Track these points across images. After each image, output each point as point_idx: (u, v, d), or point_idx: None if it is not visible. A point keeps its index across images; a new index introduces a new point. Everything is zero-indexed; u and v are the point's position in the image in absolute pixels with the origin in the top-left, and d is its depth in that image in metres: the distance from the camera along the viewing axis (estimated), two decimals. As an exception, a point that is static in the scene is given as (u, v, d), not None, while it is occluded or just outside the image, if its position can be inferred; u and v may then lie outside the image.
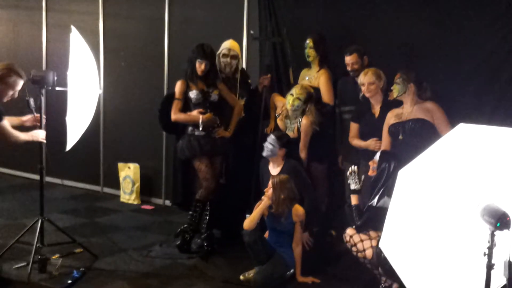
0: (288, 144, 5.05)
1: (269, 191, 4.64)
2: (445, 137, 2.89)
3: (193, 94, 5.16)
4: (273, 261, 4.62)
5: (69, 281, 4.46)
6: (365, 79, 4.94)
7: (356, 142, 5.12)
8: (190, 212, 5.21)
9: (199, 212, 5.20)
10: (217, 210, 5.40)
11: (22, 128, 4.68)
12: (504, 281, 2.51)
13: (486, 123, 2.68)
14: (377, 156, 4.41)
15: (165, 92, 6.57)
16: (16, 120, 4.68)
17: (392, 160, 4.27)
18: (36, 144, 4.84)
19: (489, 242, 2.48)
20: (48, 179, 7.75)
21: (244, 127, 5.54)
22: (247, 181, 5.53)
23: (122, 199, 7.08)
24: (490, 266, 2.49)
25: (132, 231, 5.87)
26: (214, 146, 5.23)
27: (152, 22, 6.90)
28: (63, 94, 5.01)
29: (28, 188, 7.49)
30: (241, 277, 4.69)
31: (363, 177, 4.48)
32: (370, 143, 4.98)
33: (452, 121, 4.51)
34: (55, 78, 4.75)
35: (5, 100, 4.37)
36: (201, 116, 5.11)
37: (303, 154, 5.22)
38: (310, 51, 5.42)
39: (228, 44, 5.40)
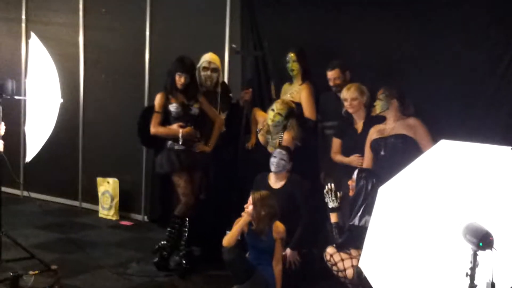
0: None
1: (249, 207, 4.53)
2: (426, 153, 2.81)
3: (173, 107, 5.06)
4: (253, 280, 4.49)
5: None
6: (348, 95, 4.88)
7: (339, 158, 5.04)
8: (168, 229, 5.09)
9: (177, 229, 5.08)
10: (197, 227, 5.27)
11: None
12: (487, 303, 2.42)
13: (469, 140, 2.61)
14: (355, 175, 4.33)
15: (146, 105, 6.46)
16: None
17: (370, 177, 4.21)
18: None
19: (471, 262, 2.39)
20: (25, 193, 7.64)
21: (224, 142, 5.45)
22: (228, 197, 5.44)
23: (100, 215, 6.93)
24: (472, 287, 2.40)
25: (110, 248, 5.72)
26: (194, 161, 5.13)
27: (133, 34, 6.81)
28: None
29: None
30: (220, 296, 4.58)
31: (339, 194, 4.39)
32: (353, 159, 4.91)
33: (435, 138, 4.46)
34: (14, 87, 4.59)
35: None
36: (181, 130, 5.02)
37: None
38: (293, 65, 5.36)
39: (208, 57, 5.33)
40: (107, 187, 6.87)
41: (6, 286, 4.42)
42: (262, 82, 5.82)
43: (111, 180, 6.86)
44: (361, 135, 4.90)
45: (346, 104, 4.93)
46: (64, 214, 7.00)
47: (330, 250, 4.30)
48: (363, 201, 4.20)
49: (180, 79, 5.04)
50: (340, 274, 4.21)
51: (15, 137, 7.36)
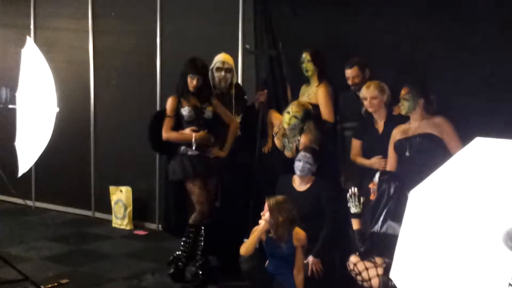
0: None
1: (265, 214, 4.29)
2: (461, 152, 2.57)
3: (185, 111, 4.84)
4: (273, 291, 4.27)
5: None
6: (367, 93, 4.65)
7: (360, 160, 4.80)
8: (183, 238, 4.87)
9: (193, 238, 4.87)
10: (213, 235, 5.03)
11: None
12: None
13: (502, 137, 2.37)
14: (376, 178, 4.10)
15: (158, 109, 6.25)
16: None
17: (392, 180, 3.98)
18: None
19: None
20: (37, 204, 7.49)
21: (240, 146, 5.21)
22: (244, 204, 5.19)
23: (114, 224, 6.73)
24: (518, 300, 2.15)
25: (123, 259, 5.52)
26: (208, 167, 4.90)
27: (143, 37, 6.62)
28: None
29: (16, 214, 7.15)
30: (238, 308, 4.34)
31: (362, 199, 4.16)
32: (375, 161, 4.66)
33: (463, 137, 4.23)
34: (8, 95, 4.37)
35: None
36: (194, 134, 4.80)
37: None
38: (308, 65, 5.14)
39: (221, 57, 5.12)
40: (120, 196, 6.67)
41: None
42: (278, 83, 5.56)
43: (124, 188, 6.66)
44: (383, 135, 4.66)
45: (365, 103, 4.69)
46: (76, 224, 6.80)
47: (353, 259, 4.07)
48: (385, 205, 3.98)
49: (192, 81, 4.83)
50: (365, 284, 3.97)
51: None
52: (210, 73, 5.09)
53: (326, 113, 5.06)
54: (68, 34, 7.11)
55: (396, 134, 4.51)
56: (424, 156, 4.23)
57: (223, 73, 5.09)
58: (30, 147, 4.44)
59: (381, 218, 3.96)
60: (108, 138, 6.96)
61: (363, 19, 5.11)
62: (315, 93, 5.13)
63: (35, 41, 7.34)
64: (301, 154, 4.72)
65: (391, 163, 4.54)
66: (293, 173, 4.78)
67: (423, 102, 4.38)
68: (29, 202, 7.53)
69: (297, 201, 4.46)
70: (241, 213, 5.18)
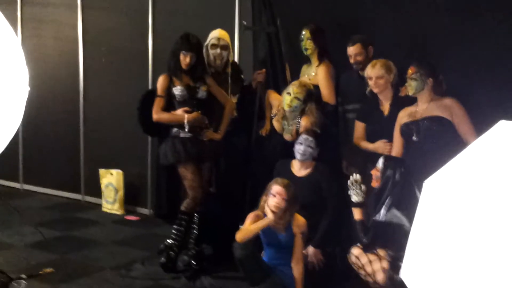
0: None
1: (268, 200, 3.97)
2: (483, 137, 2.28)
3: (177, 90, 4.54)
4: (269, 282, 3.99)
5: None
6: (373, 72, 4.36)
7: (363, 144, 4.52)
8: (175, 226, 4.59)
9: (185, 226, 4.59)
10: (207, 223, 4.77)
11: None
12: None
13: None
14: (380, 163, 3.82)
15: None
16: None
17: (398, 166, 3.72)
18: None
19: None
20: (25, 186, 7.22)
21: (236, 128, 4.94)
22: (241, 189, 4.92)
23: (104, 209, 6.44)
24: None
25: (113, 246, 5.24)
26: (202, 150, 4.61)
27: (135, 14, 6.27)
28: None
29: (2, 197, 6.86)
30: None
31: (364, 187, 3.87)
32: (379, 145, 4.39)
33: (474, 120, 3.96)
34: None
35: None
36: (186, 115, 4.51)
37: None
38: (307, 43, 4.84)
39: (217, 34, 4.81)
40: (111, 179, 6.38)
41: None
42: (277, 62, 5.25)
43: (114, 171, 6.36)
44: (388, 118, 4.38)
45: (370, 83, 4.40)
46: (65, 209, 6.51)
47: (355, 251, 3.80)
48: (390, 193, 3.70)
49: (185, 59, 4.52)
50: (368, 278, 3.70)
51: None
52: (204, 50, 4.78)
53: (326, 94, 4.77)
54: (56, 10, 6.76)
55: (403, 116, 4.22)
56: (433, 141, 3.98)
57: (218, 50, 4.79)
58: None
59: (385, 207, 3.70)
60: (98, 118, 6.66)
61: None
62: (315, 74, 4.84)
63: (22, 17, 7.04)
64: (303, 137, 4.44)
65: (396, 148, 4.27)
66: (292, 157, 4.51)
67: (432, 82, 4.09)
68: (16, 184, 7.27)
69: (296, 187, 4.18)
70: (237, 199, 4.92)
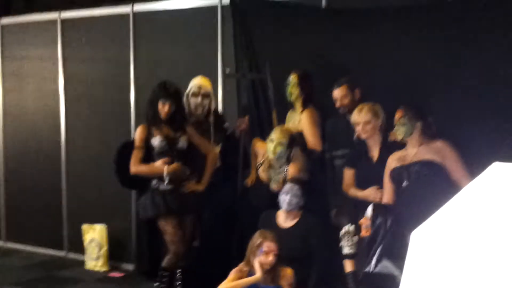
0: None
1: (270, 259, 3.73)
2: (476, 180, 2.08)
3: (156, 141, 4.35)
4: None
5: None
6: (360, 118, 4.17)
7: (353, 191, 4.29)
8: (156, 284, 4.34)
9: (167, 283, 4.33)
10: (192, 279, 4.52)
11: None
12: None
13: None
14: (369, 211, 3.62)
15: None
16: None
17: (388, 214, 3.51)
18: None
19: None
20: (8, 244, 6.98)
21: (219, 179, 4.73)
22: (226, 243, 4.67)
23: (88, 266, 6.15)
24: None
25: (93, 306, 4.97)
26: (184, 203, 4.40)
27: (116, 65, 6.13)
28: None
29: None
30: None
31: (356, 238, 3.67)
32: (370, 193, 4.16)
33: (467, 163, 3.77)
34: None
35: None
36: (166, 167, 4.31)
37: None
38: (292, 89, 4.66)
39: (197, 82, 4.67)
40: (94, 235, 6.12)
41: None
42: (262, 109, 5.07)
43: (98, 226, 6.11)
44: (378, 163, 4.17)
45: (358, 129, 4.21)
46: (47, 266, 6.21)
47: (347, 304, 3.55)
48: (381, 243, 3.48)
49: (164, 107, 4.35)
50: (362, 335, 3.45)
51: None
52: (185, 99, 4.64)
53: (312, 140, 4.57)
54: (37, 63, 6.64)
55: (392, 161, 4.02)
56: (424, 186, 3.77)
57: (199, 99, 4.63)
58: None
59: (376, 257, 3.47)
60: (80, 172, 6.44)
61: (356, 37, 4.66)
62: (299, 121, 4.66)
63: (3, 72, 6.93)
64: (288, 185, 4.24)
65: (387, 195, 4.05)
66: (278, 208, 4.29)
67: (421, 125, 3.91)
68: (-1, 243, 7.02)
69: (282, 239, 3.96)
70: (223, 253, 4.65)
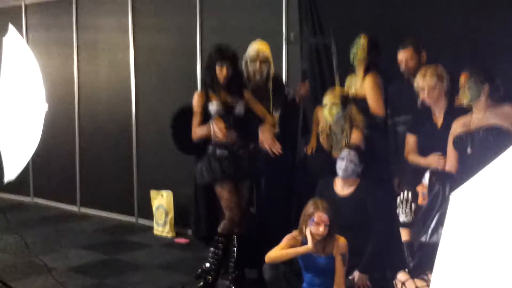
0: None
1: (321, 230, 3.62)
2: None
3: (212, 106, 4.31)
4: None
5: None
6: (425, 83, 3.94)
7: (414, 158, 4.10)
8: (212, 249, 4.35)
9: (222, 248, 4.33)
10: (248, 245, 4.48)
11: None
12: None
13: None
14: (426, 178, 3.42)
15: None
16: None
17: (447, 181, 3.29)
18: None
19: None
20: (82, 209, 7.22)
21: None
22: (285, 210, 4.60)
23: (155, 232, 6.28)
24: None
25: (155, 271, 5.04)
26: (240, 169, 4.34)
27: (183, 32, 6.16)
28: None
29: (60, 220, 6.86)
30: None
31: (414, 206, 3.48)
32: (432, 160, 3.94)
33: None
34: None
35: None
36: (213, 126, 4.25)
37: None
38: (359, 52, 4.46)
39: (255, 46, 4.55)
40: (161, 201, 6.22)
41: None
42: (325, 75, 4.93)
43: (165, 193, 6.21)
44: (442, 129, 3.94)
45: (422, 94, 3.99)
46: (118, 232, 6.41)
47: (401, 276, 3.41)
48: (438, 211, 3.28)
49: (221, 71, 4.28)
50: (416, 306, 3.29)
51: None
52: (244, 64, 4.55)
53: (374, 105, 4.39)
54: (109, 33, 6.79)
55: (456, 127, 3.79)
56: (490, 154, 3.49)
57: (257, 64, 4.51)
58: (17, 148, 3.82)
59: (432, 226, 3.29)
60: (149, 139, 6.57)
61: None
62: (361, 85, 4.48)
63: (78, 43, 7.11)
64: (345, 151, 4.10)
65: (450, 162, 3.83)
66: (336, 175, 4.16)
67: (488, 88, 3.66)
68: (74, 208, 7.27)
69: (338, 207, 3.84)
70: (280, 221, 4.58)
